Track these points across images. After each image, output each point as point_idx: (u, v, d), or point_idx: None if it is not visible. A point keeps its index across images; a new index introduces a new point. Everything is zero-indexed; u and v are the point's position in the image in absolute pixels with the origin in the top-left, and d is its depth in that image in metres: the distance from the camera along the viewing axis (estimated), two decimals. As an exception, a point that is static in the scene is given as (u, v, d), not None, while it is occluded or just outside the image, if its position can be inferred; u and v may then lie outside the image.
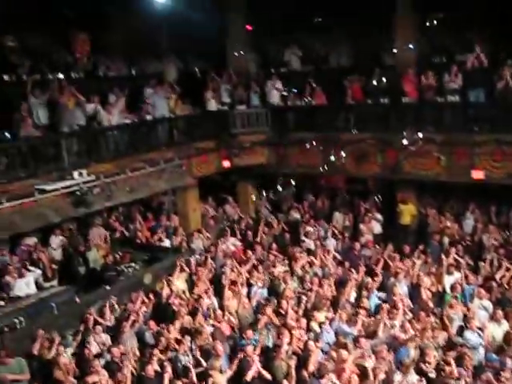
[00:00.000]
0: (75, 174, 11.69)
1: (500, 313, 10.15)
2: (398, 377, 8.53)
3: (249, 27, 17.79)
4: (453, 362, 8.64)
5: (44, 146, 12.09)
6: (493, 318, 10.17)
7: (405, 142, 13.54)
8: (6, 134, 12.23)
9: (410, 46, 15.00)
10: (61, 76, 14.73)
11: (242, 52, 17.30)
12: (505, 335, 9.67)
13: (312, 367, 8.78)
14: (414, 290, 11.54)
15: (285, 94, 16.58)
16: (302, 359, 9.11)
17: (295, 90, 16.69)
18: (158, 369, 8.83)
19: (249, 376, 8.76)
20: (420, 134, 13.45)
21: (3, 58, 14.83)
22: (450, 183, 14.23)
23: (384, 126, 14.67)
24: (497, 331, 9.89)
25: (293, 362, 8.96)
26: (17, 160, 11.40)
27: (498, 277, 11.74)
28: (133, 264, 12.85)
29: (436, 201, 15.72)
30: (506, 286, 11.36)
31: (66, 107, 12.88)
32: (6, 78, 13.94)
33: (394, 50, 15.66)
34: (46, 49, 15.74)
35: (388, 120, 14.72)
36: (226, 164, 16.43)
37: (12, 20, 13.92)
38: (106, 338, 10.10)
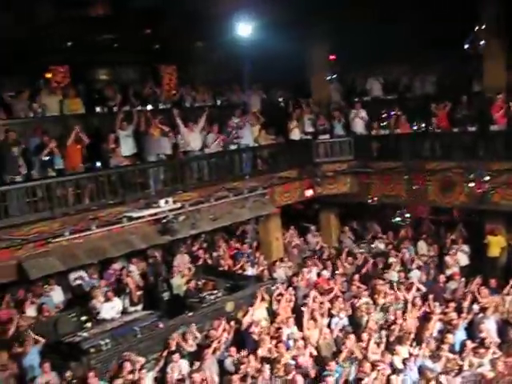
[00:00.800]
0: (161, 202, 12.04)
1: None
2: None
3: (332, 57, 17.89)
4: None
5: (132, 175, 12.56)
6: None
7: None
8: (98, 163, 12.80)
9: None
10: (149, 107, 15.30)
11: (325, 81, 17.42)
12: None
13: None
14: (504, 327, 11.01)
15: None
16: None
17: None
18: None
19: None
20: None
21: (97, 92, 15.66)
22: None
23: (471, 155, 14.27)
24: None
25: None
26: (106, 188, 11.88)
27: None
28: (215, 291, 12.97)
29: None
30: None
31: (152, 137, 13.37)
32: (98, 109, 14.59)
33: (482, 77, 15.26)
34: (135, 81, 16.47)
35: (475, 148, 14.32)
36: (309, 193, 16.44)
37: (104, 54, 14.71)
38: (185, 364, 10.21)
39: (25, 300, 11.81)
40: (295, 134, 16.67)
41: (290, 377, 9.46)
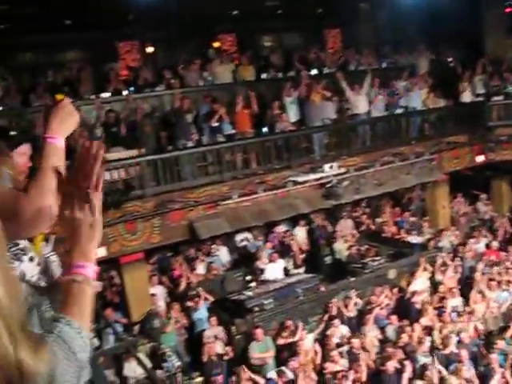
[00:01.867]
0: (326, 166, 12.09)
1: None
2: None
3: (508, 9, 16.51)
4: None
5: (297, 140, 12.70)
6: None
7: None
8: (265, 128, 13.10)
9: None
10: (314, 72, 15.28)
11: (501, 37, 16.18)
12: None
13: None
14: None
15: None
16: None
17: None
18: (398, 366, 8.78)
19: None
20: None
21: (263, 58, 15.93)
22: None
23: None
24: None
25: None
26: (273, 152, 12.15)
27: None
28: (378, 258, 12.86)
29: None
30: None
31: (313, 103, 13.36)
32: (264, 76, 14.83)
33: None
34: (300, 47, 16.50)
35: None
36: (480, 159, 15.53)
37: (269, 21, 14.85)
38: (345, 330, 10.31)
39: (195, 258, 12.60)
40: (466, 96, 15.72)
41: (448, 351, 9.20)
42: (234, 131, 12.64)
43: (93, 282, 1.41)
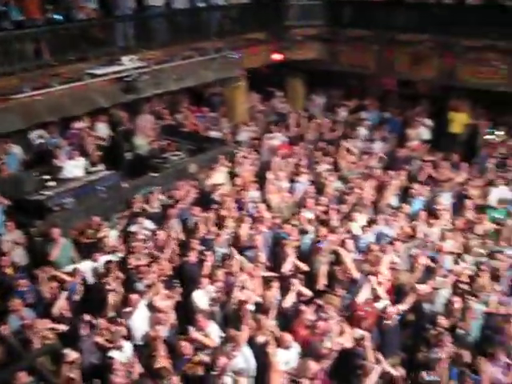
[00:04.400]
0: (125, 59, 11.64)
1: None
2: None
3: None
4: (487, 275, 8.71)
5: (95, 29, 11.98)
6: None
7: None
8: (57, 16, 12.09)
9: None
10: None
11: None
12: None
13: (346, 267, 8.95)
14: (459, 201, 11.47)
15: None
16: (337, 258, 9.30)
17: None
18: (200, 256, 9.13)
19: (285, 268, 8.95)
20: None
21: None
22: (507, 95, 13.65)
23: (445, 29, 13.99)
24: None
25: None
26: (67, 43, 11.33)
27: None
28: (178, 153, 12.97)
29: (490, 112, 15.12)
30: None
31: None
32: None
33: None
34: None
35: (450, 23, 14.00)
36: (277, 57, 16.08)
37: None
38: (149, 224, 10.37)
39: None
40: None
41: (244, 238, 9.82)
42: (22, 18, 11.53)
43: None
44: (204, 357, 7.03)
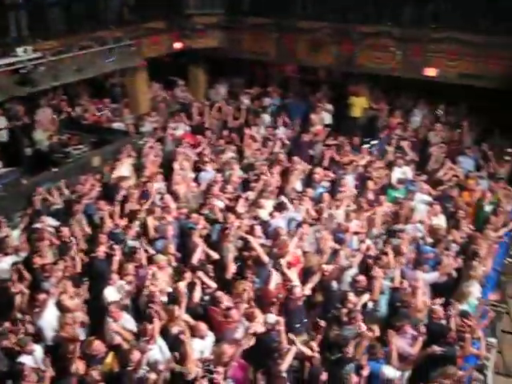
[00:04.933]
0: (19, 50, 11.12)
1: (438, 208, 10.66)
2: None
3: None
4: (390, 253, 9.11)
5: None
6: (432, 211, 10.69)
7: None
8: None
9: None
10: None
11: None
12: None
13: (255, 253, 9.04)
14: (361, 183, 11.88)
15: None
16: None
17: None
18: (108, 251, 8.95)
19: (194, 258, 8.88)
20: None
21: None
22: (403, 79, 14.27)
23: (342, 16, 14.38)
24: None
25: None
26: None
27: (440, 174, 12.19)
28: (80, 146, 12.61)
29: (387, 96, 15.77)
30: (448, 183, 11.82)
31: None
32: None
33: None
34: None
35: (347, 10, 14.41)
36: (178, 46, 15.93)
37: None
38: (51, 220, 10.02)
39: None
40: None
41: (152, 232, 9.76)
42: None
43: None
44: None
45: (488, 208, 11.00)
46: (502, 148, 13.14)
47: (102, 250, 8.88)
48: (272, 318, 7.55)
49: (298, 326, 7.86)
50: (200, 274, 8.29)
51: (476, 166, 12.78)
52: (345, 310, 7.88)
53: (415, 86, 14.76)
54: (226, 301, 7.80)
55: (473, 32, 12.76)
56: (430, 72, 13.44)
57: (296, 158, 12.46)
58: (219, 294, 7.94)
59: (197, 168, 12.34)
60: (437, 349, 7.23)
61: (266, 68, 17.82)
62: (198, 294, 8.08)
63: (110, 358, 7.04)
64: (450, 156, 12.92)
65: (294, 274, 8.62)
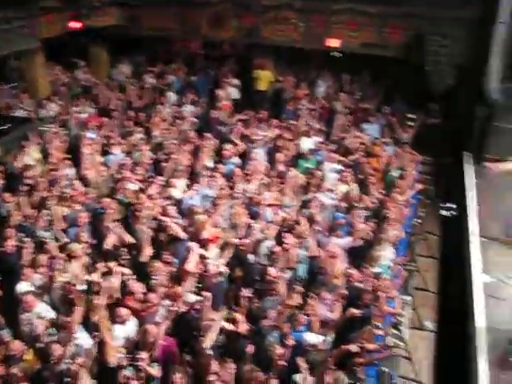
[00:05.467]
0: None
1: (348, 175, 10.95)
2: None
3: None
4: (304, 222, 9.28)
5: None
6: (342, 179, 10.97)
7: None
8: None
9: None
10: None
11: None
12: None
13: (172, 232, 8.99)
14: (272, 155, 11.97)
15: None
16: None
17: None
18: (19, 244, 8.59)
19: (108, 244, 8.72)
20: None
21: None
22: (307, 51, 14.44)
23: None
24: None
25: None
26: None
27: (347, 142, 12.50)
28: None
29: (292, 68, 15.90)
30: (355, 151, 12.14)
31: None
32: None
33: None
34: None
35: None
36: (75, 25, 15.30)
37: None
38: None
39: None
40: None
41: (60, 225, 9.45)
42: None
43: None
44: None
45: (395, 173, 11.41)
46: (404, 114, 13.63)
47: (10, 244, 8.50)
48: (191, 297, 7.54)
49: (219, 301, 7.88)
50: (112, 263, 8.10)
51: (381, 133, 13.20)
52: (265, 283, 7.98)
53: (319, 57, 14.99)
54: (139, 288, 7.67)
55: (372, 3, 13.08)
56: (333, 43, 13.68)
57: (206, 135, 12.39)
58: (130, 282, 7.79)
59: (105, 151, 11.99)
60: (355, 311, 7.48)
61: (169, 45, 17.49)
62: (117, 281, 7.91)
63: (30, 355, 6.81)
64: (355, 124, 13.28)
65: (213, 251, 8.62)
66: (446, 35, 12.35)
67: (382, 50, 13.31)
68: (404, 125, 13.19)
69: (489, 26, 11.50)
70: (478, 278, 9.10)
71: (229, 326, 7.26)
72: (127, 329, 7.17)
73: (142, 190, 10.31)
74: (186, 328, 7.26)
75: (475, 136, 12.54)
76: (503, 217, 10.56)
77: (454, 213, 10.36)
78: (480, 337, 7.93)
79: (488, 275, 9.23)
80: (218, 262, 8.35)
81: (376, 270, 8.51)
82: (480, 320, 8.22)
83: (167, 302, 7.43)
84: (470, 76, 12.31)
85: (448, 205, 10.42)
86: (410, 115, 13.44)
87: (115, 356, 6.55)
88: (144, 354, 6.49)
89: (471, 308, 8.55)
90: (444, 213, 10.52)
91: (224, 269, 8.37)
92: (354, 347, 6.88)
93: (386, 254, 8.98)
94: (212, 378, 6.36)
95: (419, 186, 11.16)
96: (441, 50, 12.42)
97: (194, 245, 8.48)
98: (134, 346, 6.93)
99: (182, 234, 8.92)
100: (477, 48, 12.08)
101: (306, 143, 12.33)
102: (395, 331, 8.64)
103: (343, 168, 11.39)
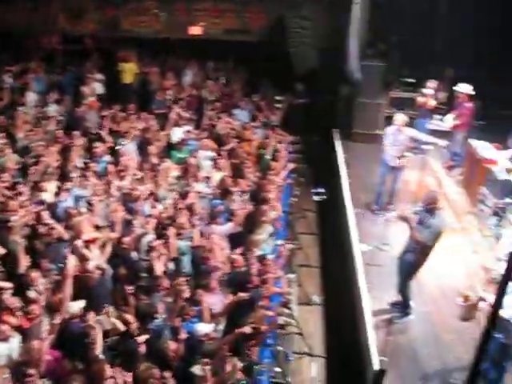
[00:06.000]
0: None
1: (223, 161, 11.00)
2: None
3: None
4: (184, 213, 9.21)
5: None
6: (216, 166, 11.01)
7: None
8: None
9: None
10: None
11: None
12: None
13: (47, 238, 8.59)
14: (143, 149, 11.76)
15: None
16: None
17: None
18: None
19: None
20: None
21: None
22: (171, 41, 14.29)
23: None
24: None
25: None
26: None
27: (218, 128, 12.55)
28: None
29: (157, 59, 15.66)
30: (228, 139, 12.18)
31: None
32: None
33: None
34: None
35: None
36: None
37: None
38: None
39: None
40: None
41: None
42: None
43: None
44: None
45: (268, 155, 11.62)
46: (272, 97, 13.90)
47: None
48: (74, 306, 7.27)
49: (103, 303, 7.64)
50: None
51: (251, 117, 13.38)
52: (149, 279, 7.85)
53: (184, 46, 14.88)
54: (14, 301, 7.25)
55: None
56: (196, 30, 13.68)
57: (74, 134, 11.93)
58: (5, 297, 7.27)
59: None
60: (243, 295, 7.56)
61: (25, 41, 16.50)
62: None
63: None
64: (225, 110, 13.36)
65: (94, 252, 8.33)
66: (306, 17, 12.72)
67: (244, 36, 13.47)
68: (272, 107, 13.45)
69: (345, 6, 11.97)
70: (357, 248, 9.53)
71: (119, 326, 7.07)
72: (10, 346, 6.75)
73: (10, 198, 9.72)
74: (72, 338, 6.97)
75: (341, 114, 13.07)
76: (372, 188, 11.13)
77: (325, 196, 10.74)
78: (365, 303, 8.31)
79: (364, 244, 9.70)
80: (99, 262, 8.09)
81: (259, 252, 8.63)
82: (363, 286, 8.62)
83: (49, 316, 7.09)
84: (332, 56, 12.78)
85: (318, 190, 10.78)
86: (277, 97, 13.72)
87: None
88: (32, 371, 6.14)
89: (354, 276, 8.96)
90: (316, 198, 10.87)
91: (106, 267, 8.13)
92: (247, 328, 6.95)
93: (268, 236, 9.13)
94: (108, 383, 6.16)
95: (292, 166, 11.45)
96: (302, 32, 12.79)
97: (78, 244, 8.16)
98: (19, 364, 6.52)
99: (66, 235, 8.55)
100: (336, 29, 12.55)
101: (177, 133, 12.23)
102: (286, 310, 8.84)
103: (216, 155, 11.41)
